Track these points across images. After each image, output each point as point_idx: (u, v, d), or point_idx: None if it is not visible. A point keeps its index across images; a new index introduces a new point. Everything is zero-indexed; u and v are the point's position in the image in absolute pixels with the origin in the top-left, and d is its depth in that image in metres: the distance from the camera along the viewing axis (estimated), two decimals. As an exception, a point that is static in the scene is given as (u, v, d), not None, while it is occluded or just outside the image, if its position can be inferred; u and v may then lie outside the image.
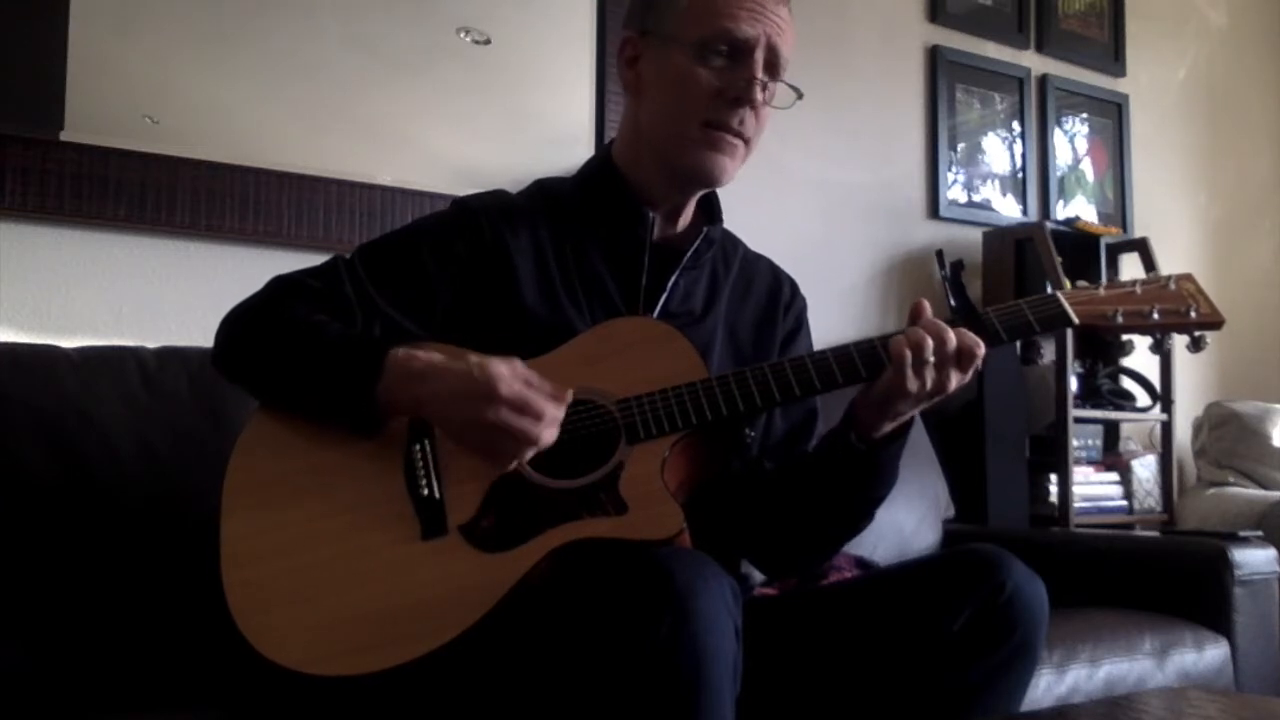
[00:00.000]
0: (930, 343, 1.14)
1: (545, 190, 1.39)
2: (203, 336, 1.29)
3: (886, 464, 1.25)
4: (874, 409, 1.19)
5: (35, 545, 1.46)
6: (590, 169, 1.39)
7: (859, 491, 1.27)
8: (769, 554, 1.37)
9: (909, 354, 1.14)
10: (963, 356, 1.15)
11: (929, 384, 1.15)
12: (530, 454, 1.11)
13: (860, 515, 1.30)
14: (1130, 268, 3.12)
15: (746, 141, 1.29)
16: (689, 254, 1.34)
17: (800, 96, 1.29)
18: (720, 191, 1.38)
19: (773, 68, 1.27)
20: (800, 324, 1.44)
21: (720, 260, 1.41)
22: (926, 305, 1.19)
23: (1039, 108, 3.22)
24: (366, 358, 1.15)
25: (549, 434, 1.10)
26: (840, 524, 1.31)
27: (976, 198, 3.09)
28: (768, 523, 1.31)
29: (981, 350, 1.16)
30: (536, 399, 1.09)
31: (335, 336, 1.18)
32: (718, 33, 1.24)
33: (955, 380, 1.16)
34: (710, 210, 1.40)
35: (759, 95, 1.26)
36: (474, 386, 1.09)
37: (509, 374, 1.09)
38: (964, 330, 1.16)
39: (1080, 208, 3.30)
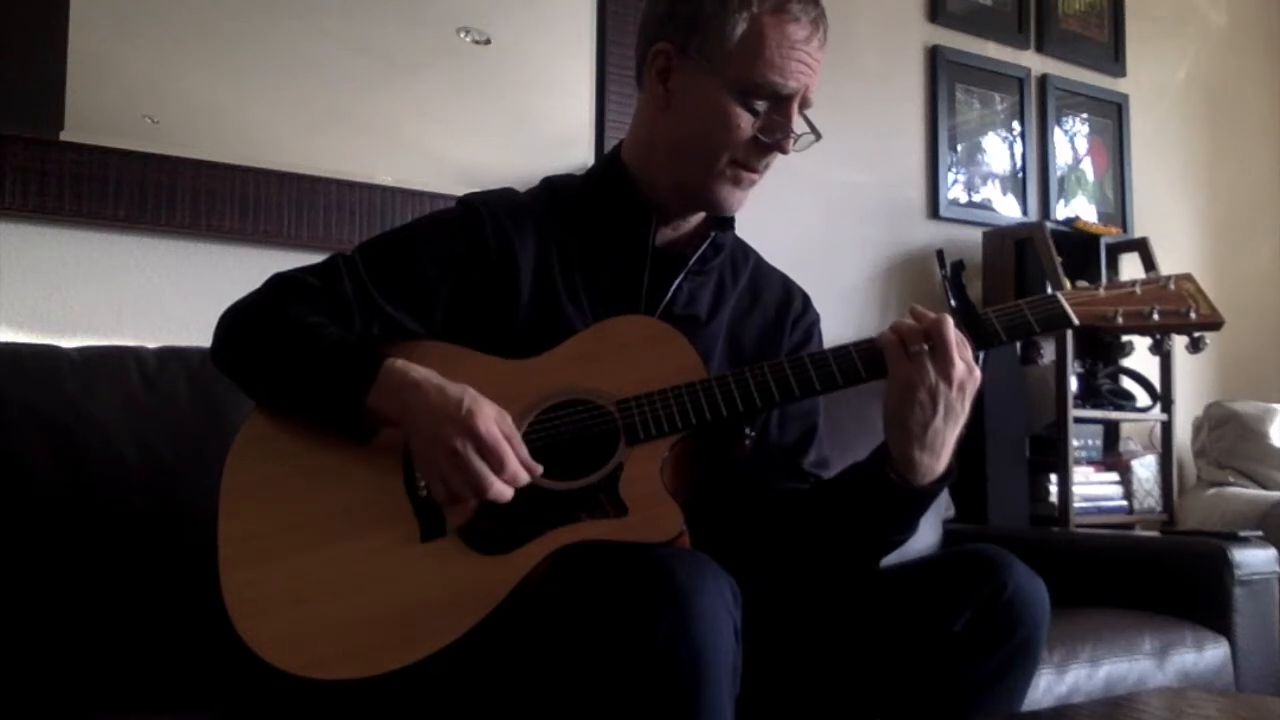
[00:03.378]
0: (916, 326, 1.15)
1: (553, 189, 1.38)
2: (203, 336, 1.29)
3: (916, 510, 1.22)
4: (897, 427, 1.16)
5: (35, 545, 1.46)
6: (599, 169, 1.39)
7: (878, 532, 1.25)
8: (764, 573, 1.35)
9: (896, 340, 1.15)
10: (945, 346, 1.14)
11: (927, 373, 1.14)
12: (474, 503, 1.10)
13: (870, 555, 1.28)
14: (1130, 268, 3.12)
15: (762, 177, 1.30)
16: (694, 258, 1.34)
17: (818, 138, 1.29)
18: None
19: (802, 109, 1.28)
20: (809, 337, 1.43)
21: (729, 268, 1.40)
22: (919, 308, 1.19)
23: (1039, 108, 3.22)
24: (362, 364, 1.15)
25: (503, 491, 1.08)
26: (847, 560, 1.28)
27: (976, 198, 3.08)
28: (770, 543, 1.30)
29: (946, 324, 1.15)
30: (509, 454, 1.09)
31: (331, 342, 1.18)
32: (765, 84, 1.24)
33: (957, 374, 1.14)
34: (722, 216, 1.39)
35: (791, 145, 1.27)
36: (455, 411, 1.09)
37: (495, 417, 1.09)
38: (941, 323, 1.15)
39: (1080, 208, 3.30)
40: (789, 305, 1.43)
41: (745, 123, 1.25)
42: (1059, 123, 3.27)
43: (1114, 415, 2.96)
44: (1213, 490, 3.18)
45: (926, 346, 1.14)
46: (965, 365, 1.15)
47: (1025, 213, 3.15)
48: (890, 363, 1.16)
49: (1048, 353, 2.81)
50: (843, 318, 2.73)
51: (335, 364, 1.16)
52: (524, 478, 1.10)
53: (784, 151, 1.27)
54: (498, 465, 1.08)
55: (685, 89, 1.28)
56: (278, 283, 1.25)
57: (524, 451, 1.11)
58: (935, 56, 3.01)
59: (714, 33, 1.24)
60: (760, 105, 1.25)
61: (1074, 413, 2.75)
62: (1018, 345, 2.74)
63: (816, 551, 1.28)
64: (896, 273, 2.90)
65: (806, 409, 1.38)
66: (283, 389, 1.19)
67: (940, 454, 1.18)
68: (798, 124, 1.28)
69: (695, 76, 1.27)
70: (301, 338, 1.18)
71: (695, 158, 1.27)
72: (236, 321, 1.24)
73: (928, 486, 1.19)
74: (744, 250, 1.45)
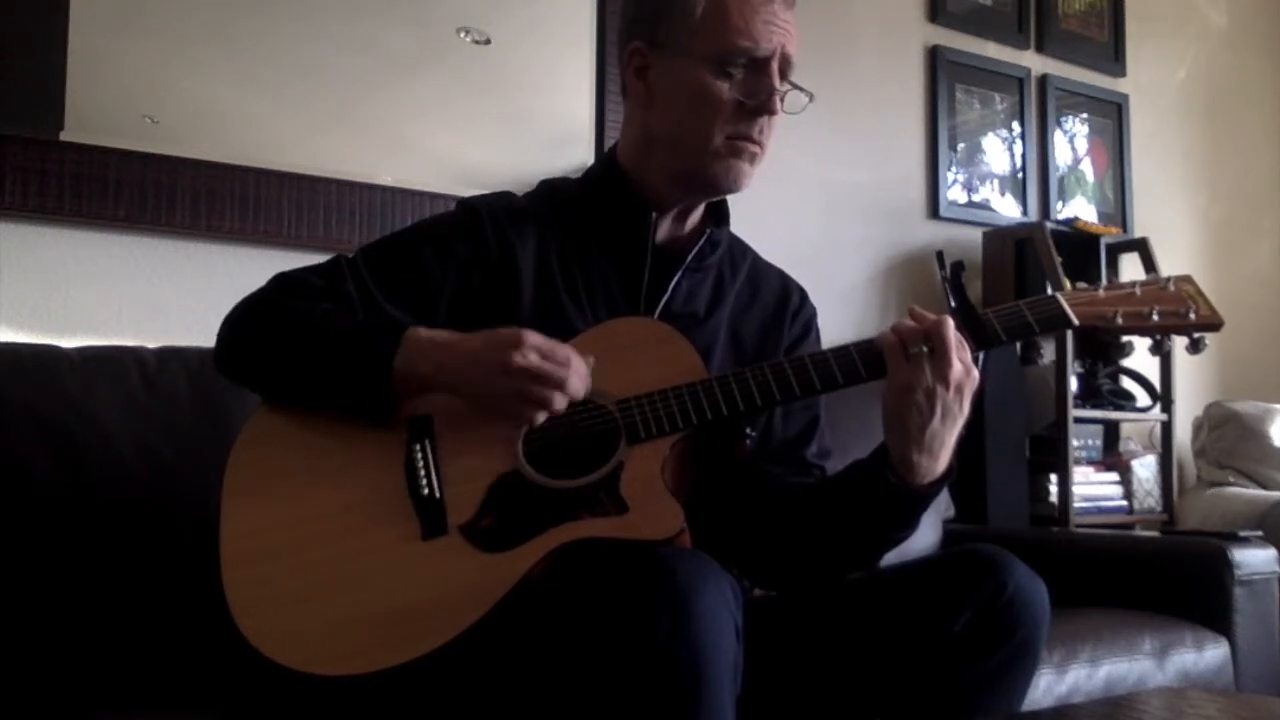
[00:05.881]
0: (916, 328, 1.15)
1: (551, 191, 1.39)
2: (203, 336, 1.29)
3: (916, 509, 1.22)
4: (896, 426, 1.16)
5: (35, 545, 1.46)
6: (596, 171, 1.40)
7: (878, 530, 1.25)
8: (765, 570, 1.35)
9: (896, 340, 1.15)
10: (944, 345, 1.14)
11: (925, 374, 1.14)
12: (563, 404, 1.11)
13: (871, 552, 1.28)
14: (1130, 268, 3.12)
15: (763, 148, 1.29)
16: (691, 255, 1.34)
17: (812, 99, 1.29)
18: (725, 193, 1.38)
19: (785, 73, 1.28)
20: (808, 330, 1.44)
21: (727, 265, 1.40)
22: (918, 309, 1.19)
23: (1039, 108, 3.22)
24: (384, 333, 1.16)
25: (578, 382, 1.11)
26: (849, 557, 1.28)
27: (976, 198, 3.09)
28: (770, 539, 1.30)
29: (946, 324, 1.15)
30: (562, 347, 1.12)
31: (347, 320, 1.19)
32: (736, 49, 1.24)
33: (954, 375, 1.15)
34: (718, 214, 1.39)
35: (779, 104, 1.27)
36: (497, 341, 1.11)
37: (530, 330, 1.12)
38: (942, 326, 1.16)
39: (1080, 208, 3.30)
40: (787, 300, 1.43)
41: (726, 93, 1.25)
42: (1059, 123, 3.27)
43: (1114, 415, 2.96)
44: (1213, 490, 3.18)
45: (926, 348, 1.14)
46: (963, 367, 1.15)
47: (1025, 213, 3.15)
48: (889, 364, 1.16)
49: (1048, 353, 2.81)
50: (843, 318, 2.73)
51: (355, 337, 1.17)
52: (584, 366, 1.12)
53: (772, 112, 1.27)
54: (563, 360, 1.10)
55: (663, 78, 1.29)
56: (281, 282, 1.26)
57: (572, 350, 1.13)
58: (935, 56, 3.01)
59: (678, 17, 1.27)
60: (738, 74, 1.25)
61: (1074, 413, 2.75)
62: (1017, 345, 2.76)
63: (817, 549, 1.28)
64: (896, 273, 2.90)
65: (808, 401, 1.38)
66: (300, 374, 1.18)
67: (939, 455, 1.18)
68: (795, 98, 1.28)
69: (670, 63, 1.28)
70: (315, 322, 1.19)
71: (689, 142, 1.28)
72: (243, 318, 1.24)
73: (927, 487, 1.19)
74: (741, 248, 1.45)
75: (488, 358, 1.11)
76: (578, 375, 1.12)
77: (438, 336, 1.16)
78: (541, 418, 1.12)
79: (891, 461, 1.18)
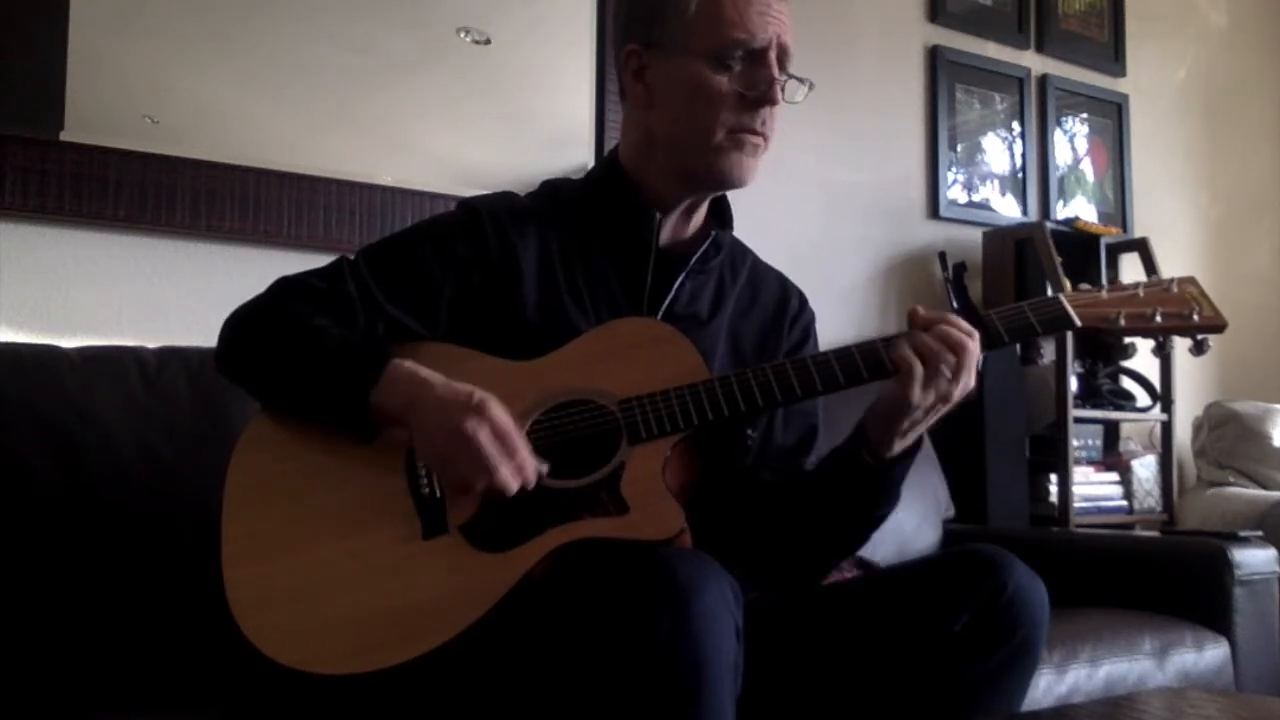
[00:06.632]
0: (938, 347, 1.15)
1: (553, 191, 1.39)
2: (203, 336, 1.29)
3: (893, 483, 1.24)
4: (882, 423, 1.18)
5: (35, 545, 1.46)
6: (598, 173, 1.40)
7: (861, 508, 1.26)
8: (763, 567, 1.35)
9: (917, 364, 1.14)
10: (956, 350, 1.15)
11: (934, 395, 1.15)
12: (481, 488, 1.09)
13: (858, 533, 1.29)
14: (1130, 268, 3.12)
15: (766, 139, 1.29)
16: (695, 258, 1.34)
17: (811, 88, 1.29)
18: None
19: (783, 63, 1.28)
20: (807, 336, 1.44)
21: (728, 268, 1.40)
22: (920, 310, 1.19)
23: (1039, 108, 3.22)
24: (367, 364, 1.15)
25: (511, 480, 1.08)
26: (837, 540, 1.30)
27: (976, 198, 3.09)
28: (765, 535, 1.31)
29: (975, 348, 1.16)
30: (521, 445, 1.10)
31: (337, 343, 1.18)
32: (733, 42, 1.24)
33: (960, 385, 1.15)
34: (721, 215, 1.39)
35: (780, 94, 1.27)
36: (466, 401, 1.09)
37: (506, 412, 1.10)
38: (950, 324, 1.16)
39: (1080, 208, 3.30)
40: (786, 304, 1.43)
41: (726, 87, 1.25)
42: (1059, 123, 3.27)
43: (1114, 415, 2.96)
44: (1213, 490, 3.19)
45: (947, 373, 1.14)
46: (969, 384, 1.16)
47: (1025, 213, 3.15)
48: (902, 383, 1.15)
49: (1048, 353, 2.81)
50: (843, 318, 2.73)
51: (340, 364, 1.16)
52: (531, 471, 1.10)
53: (773, 102, 1.26)
54: (510, 450, 1.08)
55: (661, 78, 1.29)
56: (283, 286, 1.26)
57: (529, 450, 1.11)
58: (935, 56, 3.01)
59: (672, 15, 1.27)
60: (736, 67, 1.25)
61: (1074, 413, 2.75)
62: (1018, 346, 2.76)
63: (808, 537, 1.29)
64: (896, 273, 2.90)
65: (807, 409, 1.38)
66: (289, 390, 1.19)
67: (913, 438, 1.22)
68: (794, 87, 1.28)
69: (667, 62, 1.28)
70: (307, 339, 1.19)
71: (691, 139, 1.27)
72: (242, 325, 1.24)
73: (898, 457, 1.22)
74: (741, 250, 1.45)
75: (445, 416, 1.09)
76: (510, 471, 1.08)
77: (418, 374, 1.14)
78: (474, 486, 1.09)
79: (869, 441, 1.21)
